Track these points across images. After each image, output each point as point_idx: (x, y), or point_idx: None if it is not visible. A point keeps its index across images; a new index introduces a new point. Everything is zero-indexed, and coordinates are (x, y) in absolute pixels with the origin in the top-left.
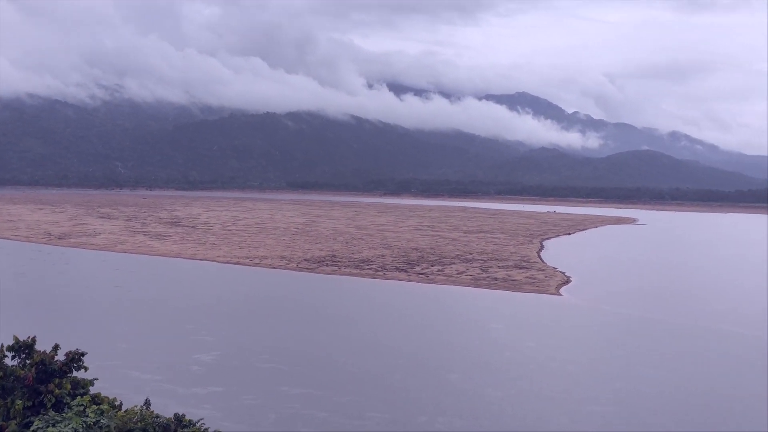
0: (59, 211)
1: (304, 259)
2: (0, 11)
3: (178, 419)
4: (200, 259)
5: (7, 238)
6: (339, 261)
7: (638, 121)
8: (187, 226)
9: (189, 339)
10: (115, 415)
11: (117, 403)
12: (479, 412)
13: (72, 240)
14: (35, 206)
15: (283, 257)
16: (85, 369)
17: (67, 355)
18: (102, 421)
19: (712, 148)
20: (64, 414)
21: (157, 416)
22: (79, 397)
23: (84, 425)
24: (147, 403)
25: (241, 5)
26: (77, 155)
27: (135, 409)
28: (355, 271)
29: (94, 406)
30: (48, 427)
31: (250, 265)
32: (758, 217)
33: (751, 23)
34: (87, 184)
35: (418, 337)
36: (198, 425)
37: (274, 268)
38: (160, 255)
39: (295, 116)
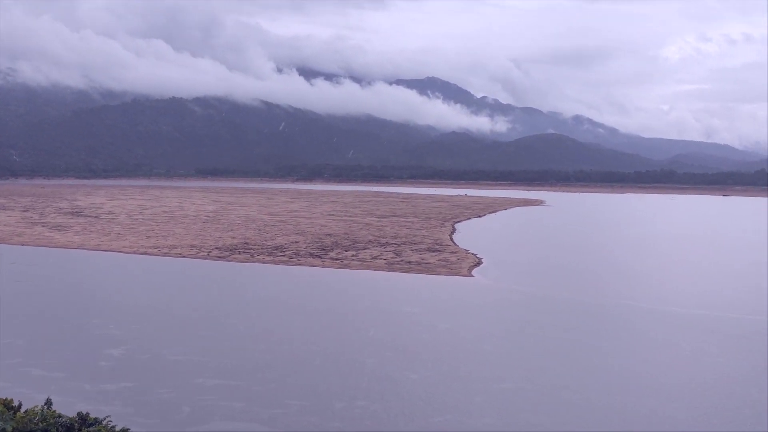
0: None
1: (216, 248)
2: None
3: (83, 418)
4: (105, 250)
5: None
6: (252, 248)
7: (544, 105)
8: (90, 216)
9: (95, 334)
10: (12, 417)
11: (14, 404)
12: (397, 395)
13: None
14: None
15: (193, 246)
16: None
17: None
18: None
19: (613, 131)
20: None
21: (60, 416)
22: None
23: None
24: (48, 402)
25: None
26: None
27: (35, 409)
28: (268, 258)
29: None
30: None
31: (158, 255)
32: (656, 196)
33: (647, 11)
34: None
35: (334, 324)
36: (104, 423)
37: (184, 257)
38: (61, 247)
39: (202, 101)
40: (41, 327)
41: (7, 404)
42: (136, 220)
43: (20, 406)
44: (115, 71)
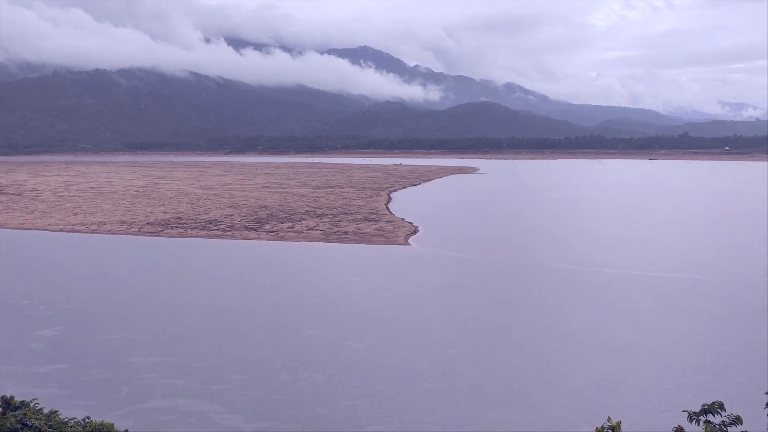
0: None
1: (147, 223)
2: None
3: (6, 402)
4: (29, 229)
5: None
6: (185, 223)
7: (476, 73)
8: (12, 194)
9: (25, 314)
10: None
11: None
12: (342, 364)
13: None
14: None
15: (123, 222)
16: None
17: None
18: None
19: (543, 98)
20: None
21: None
22: None
23: None
24: None
25: None
26: None
27: None
28: (202, 232)
29: None
30: None
31: (86, 232)
32: (585, 161)
33: None
34: None
35: (272, 296)
36: (32, 406)
37: (114, 233)
38: None
39: (127, 73)
40: None
41: None
42: (62, 197)
43: None
44: (32, 42)
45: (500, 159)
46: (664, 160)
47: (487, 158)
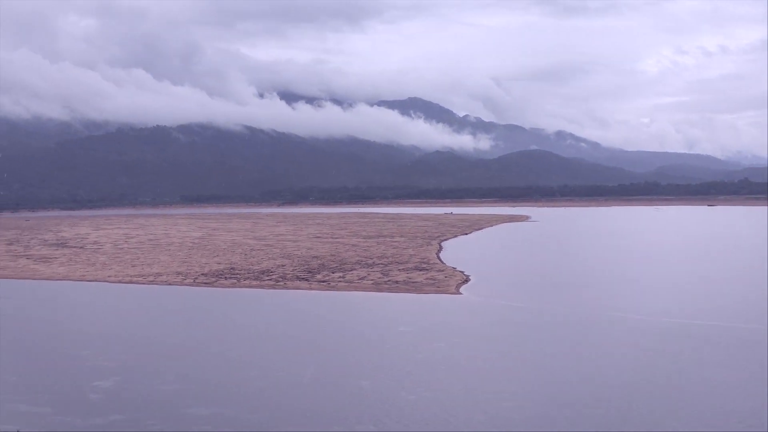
0: None
1: (202, 274)
2: None
3: None
4: (90, 281)
5: None
6: (238, 273)
7: (526, 121)
8: (75, 247)
9: (85, 366)
10: None
11: None
12: (395, 417)
13: None
14: None
15: (179, 273)
16: None
17: None
18: None
19: (595, 145)
20: None
21: None
22: None
23: None
24: None
25: (119, 16)
26: None
27: None
28: (255, 282)
29: None
30: None
31: (144, 284)
32: (641, 208)
33: (622, 26)
34: None
35: (324, 347)
36: None
37: (169, 284)
38: (45, 279)
39: (185, 128)
40: (29, 361)
41: None
42: (122, 249)
43: None
44: (97, 102)
45: (552, 207)
46: (724, 206)
47: (539, 206)
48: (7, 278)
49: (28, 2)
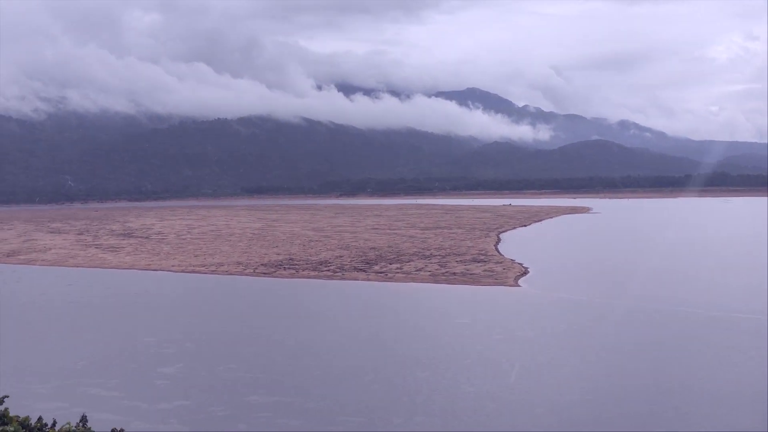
0: (7, 228)
1: (261, 264)
2: None
3: None
4: (155, 270)
5: None
6: (297, 264)
7: (587, 111)
8: (141, 237)
9: (150, 352)
10: None
11: (44, 423)
12: (456, 409)
13: (21, 257)
14: None
15: (239, 263)
16: None
17: None
18: None
19: (660, 134)
20: None
21: None
22: None
23: None
24: (83, 419)
25: (181, 11)
26: (24, 171)
27: (67, 427)
28: (313, 273)
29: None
30: None
31: (206, 273)
32: (708, 199)
33: (689, 12)
34: (36, 199)
35: (383, 336)
36: None
37: (230, 274)
38: (113, 267)
39: (245, 121)
40: (97, 347)
41: (25, 423)
42: (185, 239)
43: (54, 424)
44: (160, 95)
45: (615, 198)
46: None
47: (601, 197)
48: (77, 267)
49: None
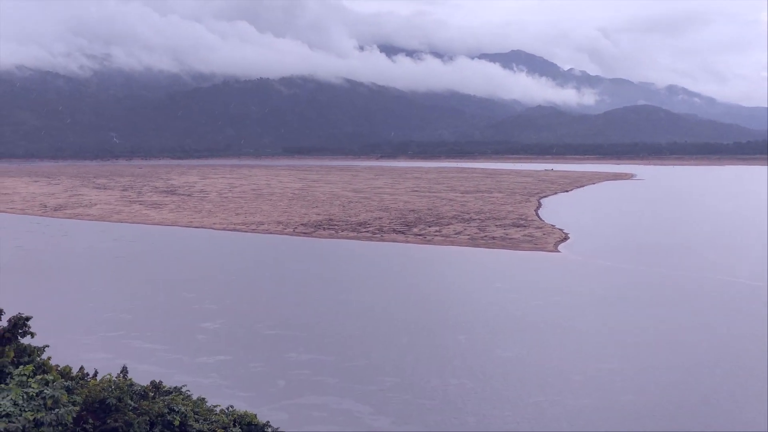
0: (54, 183)
1: (301, 224)
2: None
3: (156, 386)
4: (196, 227)
5: (3, 211)
6: (336, 225)
7: (634, 75)
8: (183, 195)
9: (192, 308)
10: (85, 385)
11: (85, 372)
12: (490, 373)
13: (68, 211)
14: (30, 179)
15: (279, 222)
16: (32, 335)
17: (9, 320)
18: (46, 391)
19: (710, 100)
20: (2, 385)
21: (131, 384)
22: (22, 366)
23: (25, 396)
24: (124, 371)
25: None
26: (71, 127)
27: (108, 377)
28: (352, 234)
29: (38, 376)
30: None
31: (246, 232)
32: (758, 168)
33: None
34: (82, 155)
35: (421, 299)
36: (183, 391)
37: (270, 233)
38: (156, 224)
39: (287, 81)
40: (142, 301)
41: (65, 373)
42: (226, 197)
43: (96, 374)
44: (203, 54)
45: (660, 165)
46: None
47: (646, 164)
48: (121, 222)
49: None
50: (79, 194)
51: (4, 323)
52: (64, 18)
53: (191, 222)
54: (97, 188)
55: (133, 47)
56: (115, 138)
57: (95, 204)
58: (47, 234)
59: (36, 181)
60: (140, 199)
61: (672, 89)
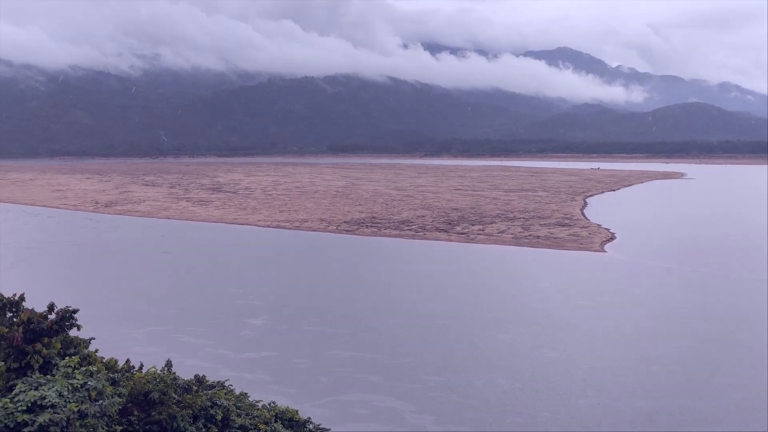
0: (106, 180)
1: (344, 222)
2: None
3: (199, 380)
4: (241, 224)
5: (57, 207)
6: (379, 222)
7: (685, 72)
8: (229, 192)
9: (237, 303)
10: (124, 377)
11: (131, 365)
12: (537, 373)
13: (118, 207)
14: (83, 176)
15: (323, 220)
16: (78, 328)
17: (57, 313)
18: (90, 382)
19: (764, 98)
20: (49, 376)
21: (175, 378)
22: (68, 357)
23: (70, 387)
24: (168, 364)
25: None
26: (122, 125)
27: (153, 371)
28: (395, 232)
29: (83, 368)
30: (30, 390)
31: (290, 228)
32: None
33: None
34: (132, 153)
35: (466, 297)
36: (227, 386)
37: (314, 230)
38: (202, 220)
39: (331, 79)
40: (189, 296)
41: (110, 365)
42: (270, 195)
43: (141, 367)
44: (249, 53)
45: (711, 164)
46: None
47: (696, 163)
48: (168, 218)
49: None
50: (129, 191)
51: (53, 316)
52: (115, 19)
53: (236, 219)
54: (146, 185)
55: (181, 47)
56: (163, 136)
57: (144, 201)
58: (98, 229)
59: (88, 178)
60: (187, 196)
61: (725, 86)
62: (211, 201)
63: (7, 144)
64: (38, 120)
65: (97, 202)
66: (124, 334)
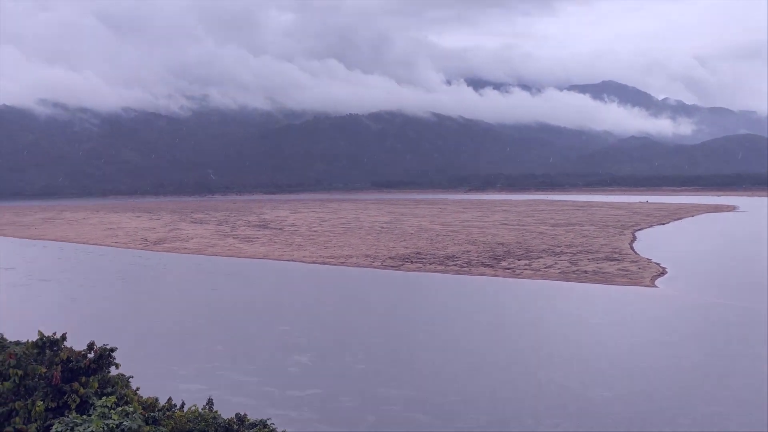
0: (155, 218)
1: (389, 257)
2: (89, 29)
3: (240, 419)
4: (287, 260)
5: (108, 245)
6: (424, 258)
7: (734, 104)
8: (275, 228)
9: (284, 340)
10: (165, 416)
11: (173, 403)
12: (590, 414)
13: (166, 245)
14: (134, 214)
15: (367, 256)
16: (117, 366)
17: (95, 352)
18: (125, 423)
19: None
20: (85, 416)
21: (215, 417)
22: (105, 397)
23: (105, 428)
24: (210, 402)
25: (315, 9)
26: (172, 164)
27: (194, 409)
28: (440, 267)
29: (120, 408)
30: (66, 430)
31: (335, 265)
32: None
33: None
34: (181, 191)
35: (514, 335)
36: (269, 424)
37: (359, 266)
38: (248, 257)
39: (375, 116)
40: (236, 333)
41: (147, 404)
42: (316, 231)
43: (183, 405)
44: (294, 92)
45: (765, 197)
46: None
47: (749, 196)
48: (215, 255)
49: (235, 1)
50: (178, 228)
51: (92, 355)
52: (165, 62)
53: (282, 255)
54: (194, 222)
55: (228, 87)
56: (211, 174)
57: (192, 238)
58: (147, 267)
59: (138, 216)
60: (234, 233)
61: None
62: (258, 238)
63: (63, 184)
64: (92, 161)
65: (146, 240)
66: (171, 371)
